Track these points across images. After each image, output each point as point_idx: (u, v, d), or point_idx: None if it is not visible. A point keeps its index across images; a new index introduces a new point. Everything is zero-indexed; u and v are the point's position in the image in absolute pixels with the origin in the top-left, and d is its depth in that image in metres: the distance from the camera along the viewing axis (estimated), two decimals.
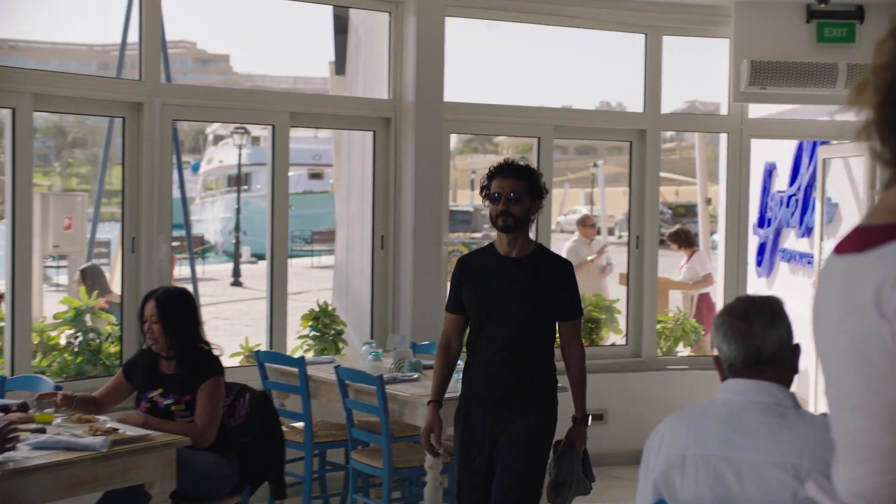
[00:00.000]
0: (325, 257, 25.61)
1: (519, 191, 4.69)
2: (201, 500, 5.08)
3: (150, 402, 5.14)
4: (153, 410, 5.11)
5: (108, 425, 4.77)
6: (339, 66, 8.25)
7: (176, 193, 7.41)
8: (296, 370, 6.41)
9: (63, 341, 6.79)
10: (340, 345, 7.55)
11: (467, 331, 4.90)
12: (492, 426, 4.70)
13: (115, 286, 9.22)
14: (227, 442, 5.23)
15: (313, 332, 7.52)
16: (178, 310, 5.15)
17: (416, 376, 6.21)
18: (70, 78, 6.50)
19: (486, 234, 39.10)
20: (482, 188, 4.79)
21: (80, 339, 6.76)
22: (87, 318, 6.82)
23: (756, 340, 2.90)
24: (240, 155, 27.39)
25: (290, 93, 7.55)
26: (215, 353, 5.22)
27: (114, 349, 6.81)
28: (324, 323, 7.52)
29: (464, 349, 4.97)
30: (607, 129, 8.59)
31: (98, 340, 6.81)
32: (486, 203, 4.81)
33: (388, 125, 7.51)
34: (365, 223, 7.75)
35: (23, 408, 5.02)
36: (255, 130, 29.58)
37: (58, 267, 19.44)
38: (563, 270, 4.76)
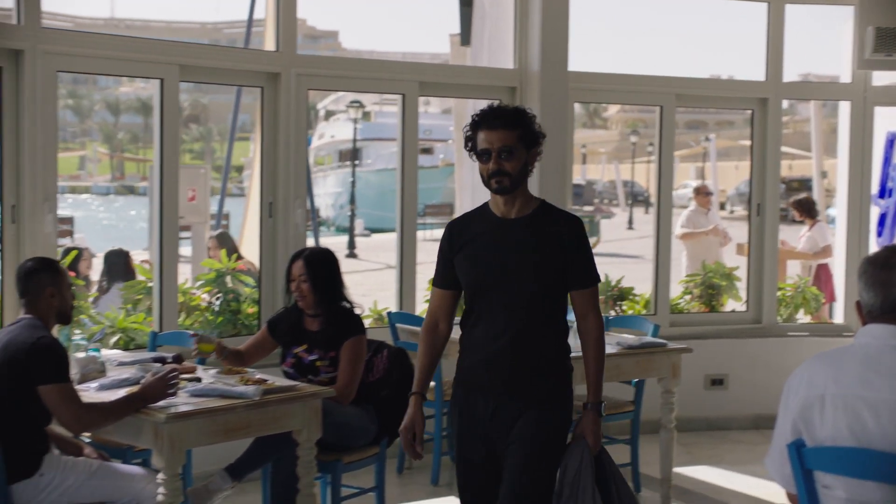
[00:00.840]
0: (437, 231, 25.92)
1: (511, 143, 3.86)
2: (342, 450, 5.34)
3: (295, 358, 5.41)
4: (298, 366, 5.38)
5: (257, 376, 5.05)
6: (465, 37, 8.45)
7: None
8: None
9: (204, 302, 7.14)
10: None
11: (458, 310, 4.18)
12: (493, 416, 3.96)
13: (243, 252, 9.57)
14: (367, 395, 5.48)
15: None
16: (325, 269, 5.40)
17: None
18: (213, 49, 6.83)
19: (597, 207, 39.15)
20: (466, 140, 3.96)
21: (221, 299, 7.09)
22: (228, 279, 7.15)
23: (894, 289, 3.03)
24: (355, 130, 27.82)
25: (419, 63, 7.74)
26: (357, 312, 5.47)
27: (251, 310, 7.12)
28: None
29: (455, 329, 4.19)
30: (728, 97, 8.66)
31: (238, 301, 7.13)
32: (473, 158, 4.00)
33: (514, 94, 7.69)
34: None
35: (177, 359, 5.33)
36: (368, 105, 29.97)
37: (181, 238, 19.97)
38: (572, 229, 3.96)
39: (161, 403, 4.54)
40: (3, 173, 5.89)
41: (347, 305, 5.45)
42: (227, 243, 9.50)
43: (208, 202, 15.84)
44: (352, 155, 30.17)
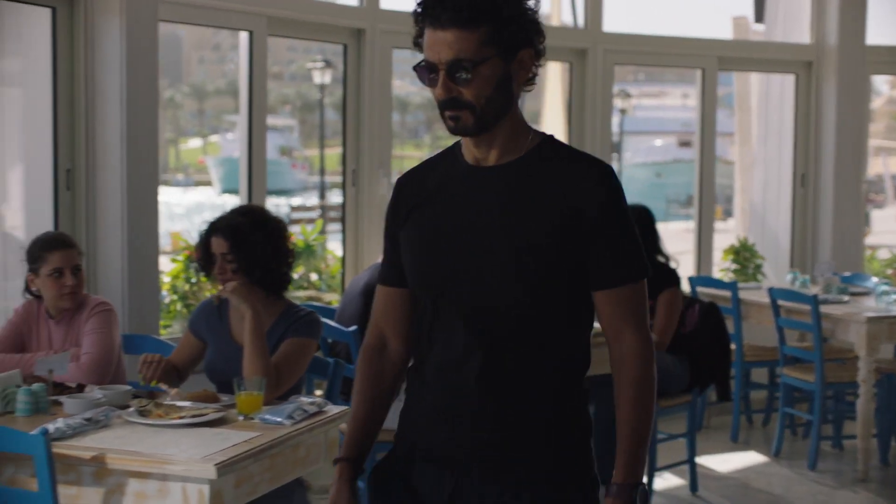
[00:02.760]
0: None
1: (470, 53, 2.26)
2: (658, 394, 5.71)
3: None
4: None
5: None
6: (759, 14, 8.68)
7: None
8: (728, 293, 6.96)
9: None
10: (760, 277, 8.00)
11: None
12: (451, 502, 2.39)
13: None
14: (681, 346, 5.83)
15: (734, 266, 8.02)
16: (640, 225, 5.78)
17: (846, 299, 6.58)
18: (300, 2, 6.24)
19: (866, 197, 37.84)
20: (415, 41, 2.37)
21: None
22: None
23: None
24: (621, 120, 28.03)
25: (717, 40, 8.02)
26: (672, 266, 5.83)
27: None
28: (744, 257, 8.01)
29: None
30: None
31: None
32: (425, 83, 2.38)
33: (810, 68, 7.88)
34: (783, 163, 8.15)
35: None
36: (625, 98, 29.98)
37: None
38: (596, 185, 2.32)
39: None
40: (346, 142, 6.51)
41: (663, 259, 5.82)
42: None
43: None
44: (616, 147, 30.42)
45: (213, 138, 43.26)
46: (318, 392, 4.92)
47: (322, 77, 18.25)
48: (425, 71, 2.32)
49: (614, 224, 2.33)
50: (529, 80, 2.39)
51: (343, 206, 6.55)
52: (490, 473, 2.35)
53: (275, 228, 4.02)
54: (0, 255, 5.39)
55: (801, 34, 8.00)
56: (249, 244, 3.93)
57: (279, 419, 3.46)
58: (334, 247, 8.39)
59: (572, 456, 2.38)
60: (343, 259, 6.62)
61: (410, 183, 2.50)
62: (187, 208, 28.82)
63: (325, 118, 24.49)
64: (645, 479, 2.37)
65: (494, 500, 2.35)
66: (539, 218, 2.30)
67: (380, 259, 5.14)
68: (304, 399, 3.62)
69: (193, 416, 3.50)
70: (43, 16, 5.11)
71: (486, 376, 2.33)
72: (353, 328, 4.82)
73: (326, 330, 4.80)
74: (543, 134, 2.44)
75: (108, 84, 5.10)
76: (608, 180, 2.34)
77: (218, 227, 3.99)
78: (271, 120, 15.65)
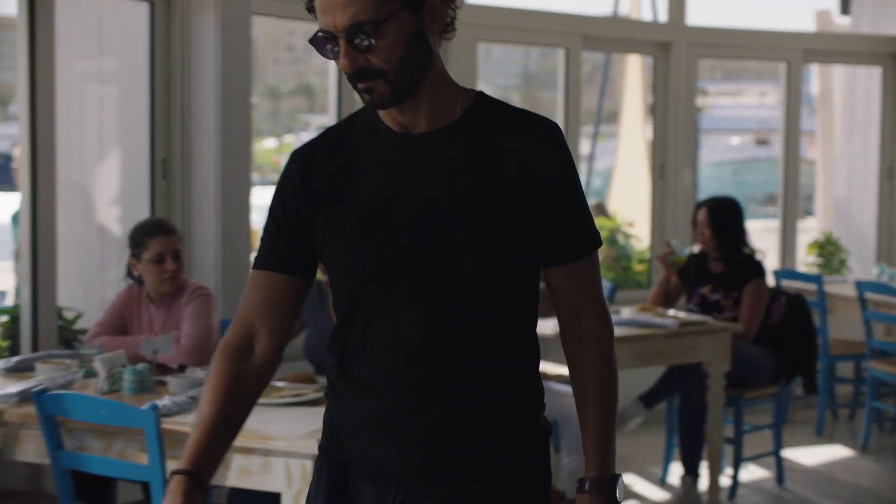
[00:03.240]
0: (773, 221, 25.58)
1: (369, 13, 1.93)
2: (743, 385, 5.71)
3: (700, 297, 5.82)
4: (703, 304, 5.79)
5: (671, 312, 5.49)
6: (845, 6, 8.62)
7: None
8: (813, 286, 6.93)
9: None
10: (844, 271, 7.95)
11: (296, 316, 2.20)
12: None
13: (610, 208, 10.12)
14: (767, 337, 5.82)
15: (818, 260, 7.98)
16: (727, 216, 5.79)
17: None
18: (610, 21, 7.30)
19: None
20: (307, 4, 2.03)
21: (616, 255, 7.63)
22: (619, 237, 7.66)
23: None
24: (697, 118, 27.80)
25: (802, 33, 7.98)
26: (758, 258, 5.82)
27: (640, 267, 7.61)
28: (829, 251, 7.96)
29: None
30: None
31: (628, 258, 7.64)
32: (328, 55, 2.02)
33: None
34: (868, 158, 8.09)
35: None
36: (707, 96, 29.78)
37: None
38: (545, 147, 2.04)
39: None
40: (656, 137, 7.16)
41: (749, 251, 5.82)
42: (603, 210, 10.09)
43: None
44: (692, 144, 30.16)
45: (288, 138, 43.63)
46: None
47: None
48: (323, 42, 1.96)
49: (569, 190, 2.05)
50: (447, 26, 2.03)
51: None
52: (438, 486, 2.03)
53: None
54: (98, 247, 5.54)
55: (889, 25, 7.93)
56: None
57: None
58: None
59: (527, 461, 2.09)
60: None
61: (316, 157, 2.08)
62: (262, 207, 29.11)
63: None
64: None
65: None
66: (488, 189, 2.00)
67: None
68: None
69: (293, 396, 3.59)
70: (141, 12, 5.24)
71: (436, 378, 2.00)
72: None
73: None
74: (473, 91, 2.10)
75: (202, 76, 5.22)
76: (557, 140, 2.05)
77: None
78: None
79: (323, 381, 3.79)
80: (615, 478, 2.08)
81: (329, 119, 6.21)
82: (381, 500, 2.06)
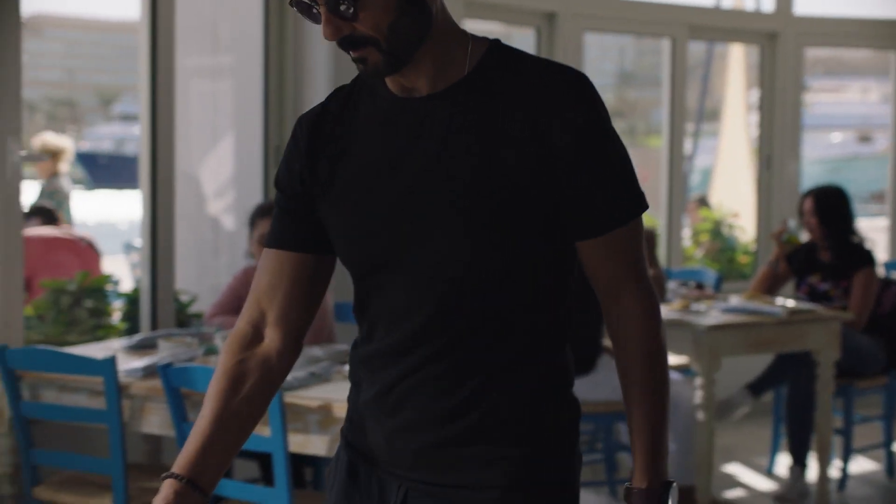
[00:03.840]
0: (879, 220, 25.11)
1: None
2: (854, 375, 5.65)
3: (809, 286, 5.78)
4: (812, 293, 5.74)
5: (779, 300, 5.46)
6: None
7: None
8: None
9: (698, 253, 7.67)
10: None
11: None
12: None
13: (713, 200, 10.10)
14: (877, 327, 5.76)
15: None
16: (834, 205, 5.75)
17: None
18: (716, 11, 7.27)
19: None
20: None
21: (720, 247, 7.61)
22: (724, 229, 7.65)
23: None
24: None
25: None
26: (867, 247, 5.76)
27: (745, 259, 7.57)
28: None
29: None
30: None
31: (732, 250, 7.61)
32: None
33: None
34: None
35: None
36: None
37: None
38: (564, 99, 1.77)
39: (698, 318, 5.07)
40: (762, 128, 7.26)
41: (857, 240, 5.76)
42: (705, 202, 10.09)
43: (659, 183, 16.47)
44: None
45: None
46: None
47: None
48: (305, 7, 1.74)
49: (599, 150, 1.77)
50: None
51: None
52: (442, 481, 1.83)
53: None
54: (211, 236, 5.68)
55: None
56: None
57: None
58: None
59: (548, 452, 1.84)
60: None
61: (321, 124, 1.88)
62: None
63: None
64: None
65: None
66: (496, 157, 1.75)
67: None
68: None
69: None
70: (254, 6, 5.37)
71: (450, 366, 1.79)
72: None
73: None
74: (486, 41, 1.83)
75: (315, 63, 5.31)
76: (586, 93, 1.77)
77: None
78: None
79: None
80: (667, 487, 1.82)
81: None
82: (385, 493, 1.87)
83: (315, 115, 1.89)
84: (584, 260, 1.83)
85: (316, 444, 3.44)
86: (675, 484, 1.84)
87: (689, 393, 5.05)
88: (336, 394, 3.46)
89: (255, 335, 1.89)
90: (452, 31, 1.81)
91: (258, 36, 5.38)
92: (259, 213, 4.52)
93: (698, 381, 4.98)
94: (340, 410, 3.35)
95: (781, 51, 7.23)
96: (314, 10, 1.72)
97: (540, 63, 1.79)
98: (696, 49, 7.43)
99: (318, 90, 5.30)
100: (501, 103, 1.76)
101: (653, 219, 7.70)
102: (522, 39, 6.88)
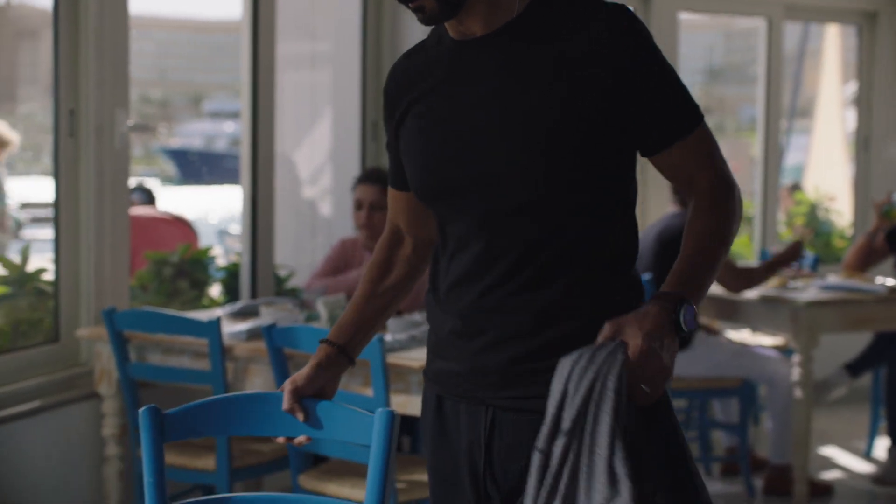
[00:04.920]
0: None
1: None
2: None
3: None
4: None
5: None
6: None
7: None
8: None
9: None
10: None
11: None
12: (491, 438, 1.95)
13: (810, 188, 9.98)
14: None
15: None
16: None
17: None
18: None
19: None
20: None
21: (815, 231, 7.55)
22: (820, 212, 7.58)
23: None
24: None
25: None
26: None
27: (841, 243, 7.49)
28: None
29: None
30: None
31: (828, 233, 7.55)
32: None
33: None
34: None
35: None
36: None
37: None
38: (620, 35, 1.88)
39: (796, 294, 5.02)
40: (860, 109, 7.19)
41: None
42: (799, 188, 10.00)
43: (751, 174, 16.31)
44: None
45: None
46: None
47: None
48: None
49: (652, 75, 1.88)
50: None
51: None
52: (522, 403, 1.90)
53: None
54: (308, 216, 5.75)
55: None
56: None
57: None
58: None
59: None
60: None
61: (397, 77, 2.06)
62: None
63: None
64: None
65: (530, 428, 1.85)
66: (558, 88, 1.85)
67: (671, 209, 5.24)
68: None
69: None
70: None
71: (517, 278, 1.89)
72: (646, 276, 4.91)
73: None
74: None
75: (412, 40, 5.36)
76: (632, 25, 1.88)
77: None
78: None
79: None
80: (684, 300, 1.82)
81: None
82: (474, 419, 1.95)
83: (401, 61, 2.08)
84: (661, 170, 1.97)
85: (416, 405, 3.46)
86: (695, 307, 1.83)
87: (787, 371, 5.00)
88: None
89: (397, 239, 2.17)
90: None
91: (356, 22, 5.44)
92: (358, 179, 4.62)
93: (796, 357, 4.93)
94: None
95: (880, 30, 7.13)
96: None
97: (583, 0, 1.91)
98: (788, 44, 7.29)
99: None
100: (557, 39, 1.88)
101: (749, 203, 7.66)
102: None
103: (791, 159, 14.66)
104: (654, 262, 5.04)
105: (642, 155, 1.94)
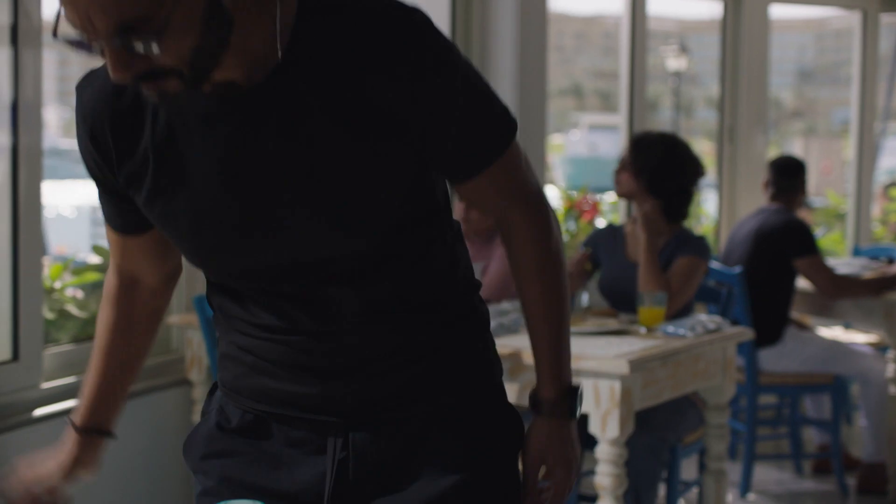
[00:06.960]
0: None
1: (142, 7, 1.34)
2: None
3: None
4: None
5: None
6: None
7: None
8: None
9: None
10: None
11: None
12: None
13: None
14: None
15: None
16: None
17: None
18: None
19: None
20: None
21: None
22: None
23: None
24: None
25: None
26: None
27: None
28: None
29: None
30: None
31: None
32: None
33: None
34: None
35: None
36: None
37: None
38: (393, 52, 1.50)
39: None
40: None
41: None
42: (893, 186, 9.84)
43: (843, 175, 16.08)
44: None
45: (556, 138, 43.96)
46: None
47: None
48: (78, 44, 1.39)
49: (442, 94, 1.53)
50: None
51: (719, 163, 6.57)
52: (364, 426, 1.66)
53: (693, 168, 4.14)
54: None
55: None
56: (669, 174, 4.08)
57: (681, 331, 3.55)
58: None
59: (476, 391, 1.75)
60: (718, 217, 6.63)
61: (105, 118, 1.59)
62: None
63: None
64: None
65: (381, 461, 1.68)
66: (337, 136, 1.51)
67: (764, 204, 5.16)
68: (703, 317, 3.70)
69: (597, 326, 3.66)
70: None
71: (324, 340, 1.62)
72: (738, 269, 4.84)
73: (710, 273, 4.86)
74: (294, 4, 1.51)
75: (500, 52, 5.31)
76: (412, 35, 1.51)
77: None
78: None
79: (624, 316, 3.86)
80: (573, 391, 1.74)
81: (622, 118, 6.05)
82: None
83: (102, 102, 1.59)
84: (467, 197, 1.69)
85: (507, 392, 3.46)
86: (580, 388, 1.76)
87: (882, 367, 4.91)
88: (524, 343, 3.48)
89: (132, 284, 1.82)
90: (255, 16, 1.48)
91: (445, 21, 5.42)
92: None
93: (891, 354, 4.84)
94: (529, 358, 3.35)
95: None
96: (89, 51, 1.39)
97: (356, 12, 1.51)
98: (882, 46, 7.10)
99: (503, 75, 5.30)
100: (325, 79, 1.50)
101: (839, 199, 7.52)
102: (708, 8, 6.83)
103: (885, 163, 14.41)
104: (749, 255, 4.97)
105: (452, 183, 1.66)
